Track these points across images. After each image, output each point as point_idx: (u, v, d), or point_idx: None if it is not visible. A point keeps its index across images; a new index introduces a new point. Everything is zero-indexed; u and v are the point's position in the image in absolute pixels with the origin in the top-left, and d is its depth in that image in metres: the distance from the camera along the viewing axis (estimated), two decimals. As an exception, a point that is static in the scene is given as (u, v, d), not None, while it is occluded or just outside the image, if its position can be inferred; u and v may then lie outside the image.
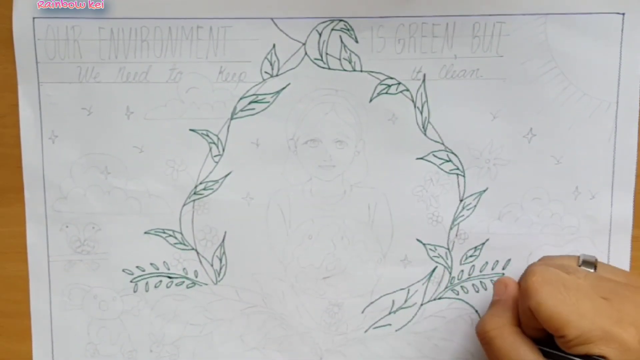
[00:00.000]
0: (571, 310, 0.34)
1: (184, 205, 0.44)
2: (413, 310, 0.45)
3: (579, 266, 0.39)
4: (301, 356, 0.46)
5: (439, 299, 0.45)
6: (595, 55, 0.43)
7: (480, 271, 0.45)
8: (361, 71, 0.43)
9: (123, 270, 0.45)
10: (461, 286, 0.45)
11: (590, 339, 0.34)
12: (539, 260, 0.41)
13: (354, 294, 0.45)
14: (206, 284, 0.45)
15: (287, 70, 0.43)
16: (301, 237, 0.45)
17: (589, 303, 0.35)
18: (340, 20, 0.42)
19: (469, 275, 0.45)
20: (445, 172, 0.44)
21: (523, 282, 0.37)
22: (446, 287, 0.45)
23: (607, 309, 0.35)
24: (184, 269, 0.45)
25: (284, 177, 0.44)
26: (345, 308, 0.45)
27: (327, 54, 0.43)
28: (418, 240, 0.45)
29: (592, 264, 0.39)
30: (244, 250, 0.45)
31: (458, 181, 0.44)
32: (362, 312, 0.45)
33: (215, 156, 0.44)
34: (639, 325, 0.34)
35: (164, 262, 0.45)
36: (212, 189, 0.44)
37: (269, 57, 0.43)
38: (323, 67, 0.43)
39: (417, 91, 0.43)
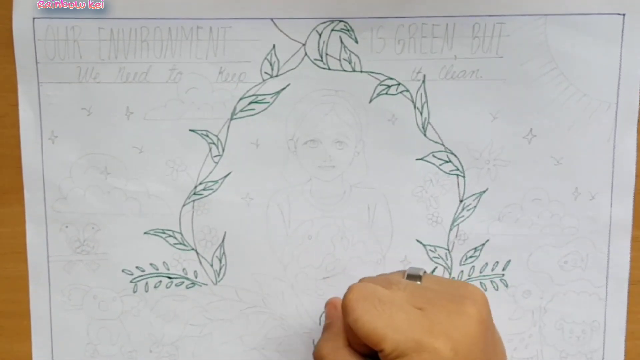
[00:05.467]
0: (386, 324, 0.34)
1: (184, 205, 0.44)
2: (413, 310, 0.45)
3: (406, 278, 0.38)
4: (301, 357, 0.46)
5: (439, 299, 0.45)
6: (596, 56, 0.43)
7: (480, 272, 0.45)
8: (361, 72, 0.43)
9: (123, 271, 0.45)
10: (461, 287, 0.45)
11: (405, 351, 0.34)
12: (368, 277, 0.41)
13: (353, 295, 0.45)
14: (206, 284, 0.45)
15: (287, 71, 0.43)
16: (301, 238, 0.45)
17: (404, 315, 0.35)
18: (340, 21, 0.42)
19: (469, 276, 0.45)
20: (445, 172, 0.44)
21: (342, 301, 0.37)
22: (446, 288, 0.45)
23: (420, 320, 0.34)
24: (184, 269, 0.45)
25: (284, 178, 0.44)
26: (344, 308, 0.45)
27: (327, 54, 0.43)
28: (418, 241, 0.45)
29: (418, 276, 0.38)
30: (244, 251, 0.45)
31: (458, 182, 0.44)
32: (362, 312, 0.45)
33: (215, 156, 0.44)
34: (451, 334, 0.34)
35: (164, 262, 0.45)
36: (212, 189, 0.44)
37: (268, 57, 0.43)
38: (323, 68, 0.43)
39: (417, 92, 0.43)
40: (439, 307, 0.35)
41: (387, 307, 0.35)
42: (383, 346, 0.34)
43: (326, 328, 0.39)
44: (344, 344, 0.37)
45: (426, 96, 0.43)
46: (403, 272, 0.39)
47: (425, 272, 0.39)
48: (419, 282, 0.38)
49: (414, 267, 0.39)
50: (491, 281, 0.45)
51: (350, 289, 0.36)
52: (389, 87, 0.43)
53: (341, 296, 0.36)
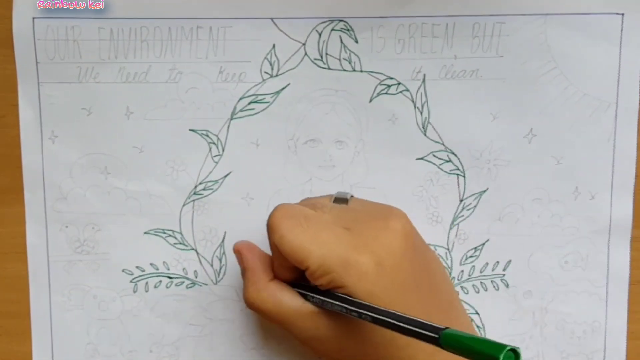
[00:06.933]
0: (312, 240, 0.35)
1: (184, 205, 0.44)
2: (413, 310, 0.45)
3: (333, 202, 0.39)
4: (301, 356, 0.46)
5: (439, 299, 0.45)
6: (595, 56, 0.43)
7: (481, 272, 0.45)
8: (361, 71, 0.43)
9: (123, 271, 0.45)
10: (461, 287, 0.45)
11: (331, 267, 0.34)
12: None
13: (354, 295, 0.45)
14: (206, 284, 0.45)
15: (287, 71, 0.43)
16: (301, 238, 0.45)
17: (329, 233, 0.35)
18: (340, 21, 0.42)
19: (469, 275, 0.45)
20: (446, 172, 0.44)
21: (268, 219, 0.37)
22: (446, 288, 0.45)
23: (345, 237, 0.35)
24: (184, 269, 0.45)
25: (284, 177, 0.44)
26: (345, 308, 0.45)
27: (327, 54, 0.43)
28: (418, 240, 0.45)
29: (345, 200, 0.39)
30: (244, 250, 0.45)
31: (458, 181, 0.44)
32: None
33: (215, 156, 0.44)
34: (375, 249, 0.35)
35: (164, 262, 0.45)
36: (212, 189, 0.44)
37: (268, 57, 0.43)
38: (323, 67, 0.43)
39: (417, 91, 0.43)
40: (364, 225, 0.36)
41: (312, 224, 0.35)
42: (308, 263, 0.34)
43: (244, 275, 0.39)
44: (266, 280, 0.38)
45: (426, 96, 0.43)
46: (331, 196, 0.40)
47: (352, 196, 0.39)
48: (345, 205, 0.38)
49: (342, 192, 0.40)
50: (492, 281, 0.45)
51: (276, 208, 0.36)
52: (389, 86, 0.43)
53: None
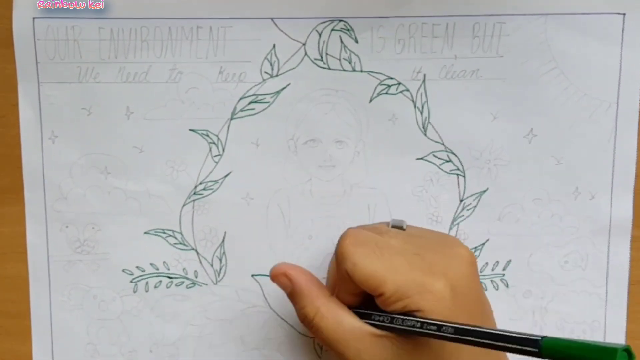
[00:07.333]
0: (386, 267, 0.34)
1: (184, 205, 0.44)
2: (413, 310, 0.45)
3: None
4: (301, 356, 0.46)
5: (439, 299, 0.45)
6: (596, 56, 0.43)
7: (481, 272, 0.45)
8: (361, 71, 0.43)
9: (123, 271, 0.45)
10: (461, 286, 0.45)
11: (407, 292, 0.34)
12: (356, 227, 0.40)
13: (354, 294, 0.45)
14: (206, 284, 0.45)
15: (287, 71, 0.43)
16: (301, 237, 0.45)
17: (402, 258, 0.35)
18: (340, 21, 0.42)
19: (469, 275, 0.45)
20: (446, 172, 0.44)
21: (337, 247, 0.36)
22: (446, 288, 0.45)
23: (419, 263, 0.35)
24: (184, 269, 0.45)
25: (284, 177, 0.44)
26: (345, 308, 0.45)
27: (327, 54, 0.43)
28: (418, 240, 0.45)
29: (400, 227, 0.39)
30: (244, 250, 0.44)
31: (458, 181, 0.44)
32: (362, 312, 0.45)
33: (215, 156, 0.44)
34: (448, 274, 0.34)
35: (164, 262, 0.45)
36: (212, 189, 0.44)
37: (269, 57, 0.43)
38: (323, 67, 0.43)
39: (417, 91, 0.43)
40: (433, 251, 0.36)
41: (385, 251, 0.35)
42: (383, 289, 0.34)
43: (295, 295, 0.38)
44: (327, 297, 0.37)
45: (426, 96, 0.43)
46: (387, 223, 0.39)
47: (405, 223, 0.39)
48: (405, 231, 0.38)
49: (396, 219, 0.39)
50: (491, 281, 0.45)
51: (345, 234, 0.36)
52: (389, 86, 0.43)
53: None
